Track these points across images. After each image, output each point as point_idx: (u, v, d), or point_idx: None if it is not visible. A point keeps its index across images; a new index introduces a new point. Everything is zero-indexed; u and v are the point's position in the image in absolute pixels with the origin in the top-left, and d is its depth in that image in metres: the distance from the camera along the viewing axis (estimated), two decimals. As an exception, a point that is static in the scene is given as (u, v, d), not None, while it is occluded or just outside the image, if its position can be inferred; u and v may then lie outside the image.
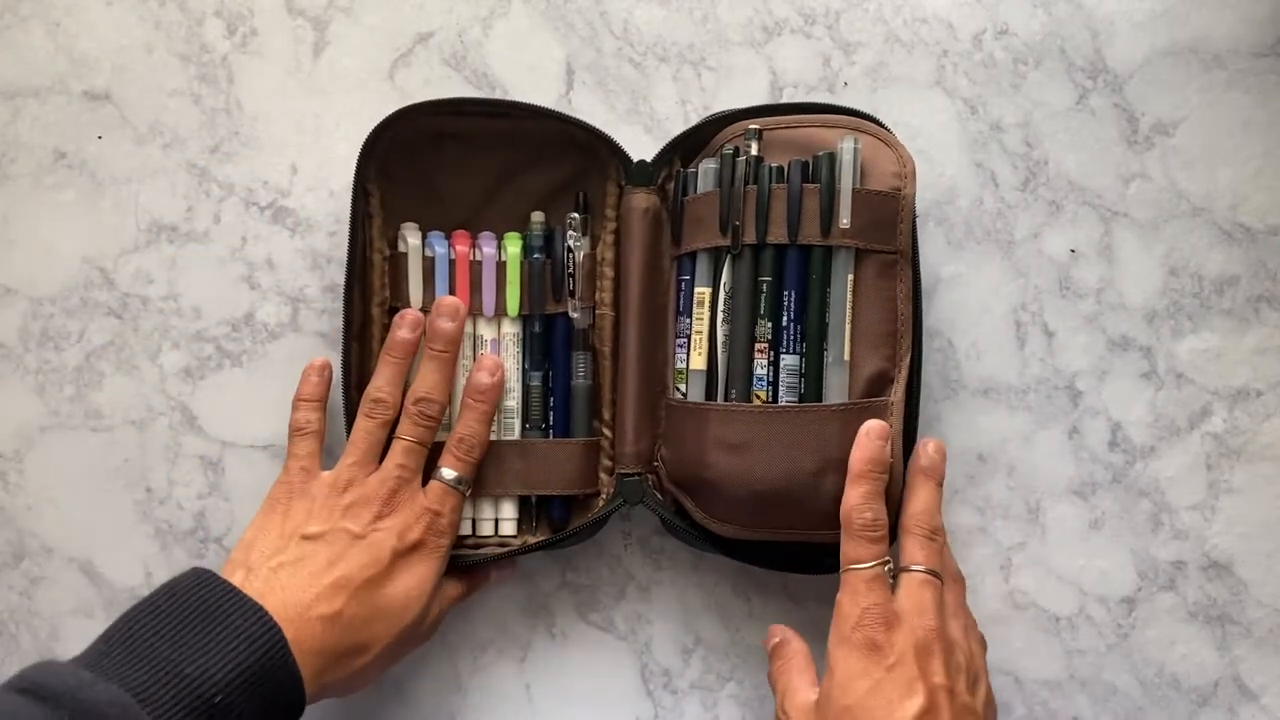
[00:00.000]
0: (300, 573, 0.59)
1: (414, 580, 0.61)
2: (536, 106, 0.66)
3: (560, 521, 0.67)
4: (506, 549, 0.66)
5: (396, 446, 0.64)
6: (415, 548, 0.62)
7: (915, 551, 0.60)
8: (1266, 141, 0.69)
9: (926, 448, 0.62)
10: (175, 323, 0.70)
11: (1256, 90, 0.69)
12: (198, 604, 0.55)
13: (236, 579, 0.58)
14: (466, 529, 0.67)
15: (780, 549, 0.65)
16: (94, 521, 0.69)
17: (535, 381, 0.67)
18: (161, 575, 0.69)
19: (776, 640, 0.64)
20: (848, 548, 0.59)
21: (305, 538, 0.61)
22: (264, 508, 0.63)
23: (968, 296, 0.69)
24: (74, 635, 0.69)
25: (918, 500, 0.61)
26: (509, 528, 0.67)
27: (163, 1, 0.70)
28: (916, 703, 0.55)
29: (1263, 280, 0.69)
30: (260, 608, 0.55)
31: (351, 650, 0.59)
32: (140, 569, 0.69)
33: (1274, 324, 0.68)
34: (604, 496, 0.67)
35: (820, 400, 0.62)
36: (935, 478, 0.62)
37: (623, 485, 0.66)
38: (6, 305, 0.70)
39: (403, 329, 0.65)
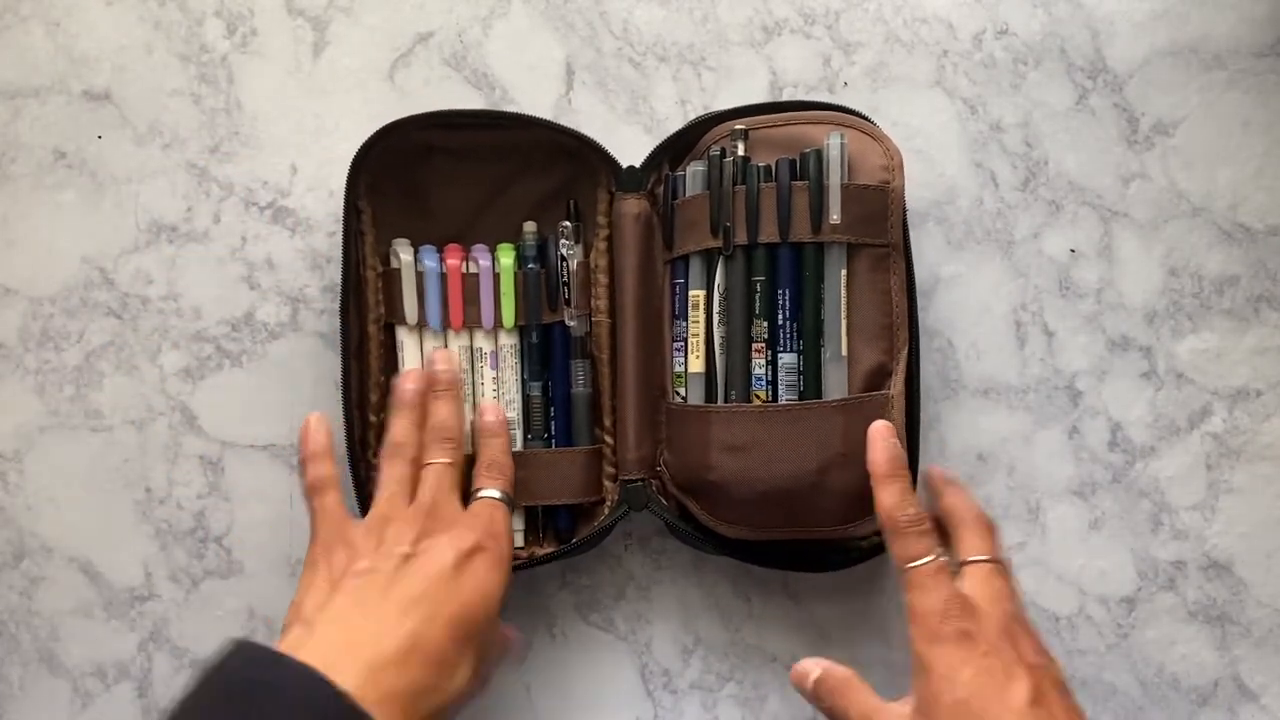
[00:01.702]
0: (362, 607, 0.55)
1: (480, 580, 0.57)
2: (524, 116, 0.66)
3: (566, 531, 0.67)
4: (515, 561, 0.66)
5: (428, 473, 0.62)
6: (474, 552, 0.58)
7: (976, 542, 0.59)
8: (1266, 141, 0.69)
9: (932, 470, 0.63)
10: (175, 323, 0.70)
11: (1256, 90, 0.69)
12: (242, 685, 0.50)
13: (291, 636, 0.54)
14: None
15: (785, 548, 0.65)
16: (94, 521, 0.69)
17: (535, 392, 0.67)
18: (161, 575, 0.69)
19: (816, 675, 0.60)
20: (900, 548, 0.58)
21: (356, 574, 0.57)
22: (305, 570, 0.59)
23: (968, 296, 0.69)
24: (74, 635, 0.69)
25: (958, 499, 0.61)
26: (516, 539, 0.67)
27: (163, 1, 0.70)
28: (1023, 686, 0.54)
29: (1263, 280, 0.68)
30: (308, 670, 0.50)
31: (437, 676, 0.54)
32: (140, 569, 0.69)
33: (1274, 324, 0.68)
34: (608, 504, 0.67)
35: (820, 397, 0.62)
36: (958, 483, 0.63)
37: (627, 492, 0.66)
38: (6, 305, 0.70)
39: (408, 382, 0.64)
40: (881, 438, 0.60)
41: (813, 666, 0.60)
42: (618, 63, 0.70)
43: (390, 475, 0.62)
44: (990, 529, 0.60)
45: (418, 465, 0.63)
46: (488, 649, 0.58)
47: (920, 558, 0.57)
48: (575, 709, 0.69)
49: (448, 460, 0.62)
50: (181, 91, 0.70)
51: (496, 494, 0.63)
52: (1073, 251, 0.69)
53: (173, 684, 0.69)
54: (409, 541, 0.58)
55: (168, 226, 0.70)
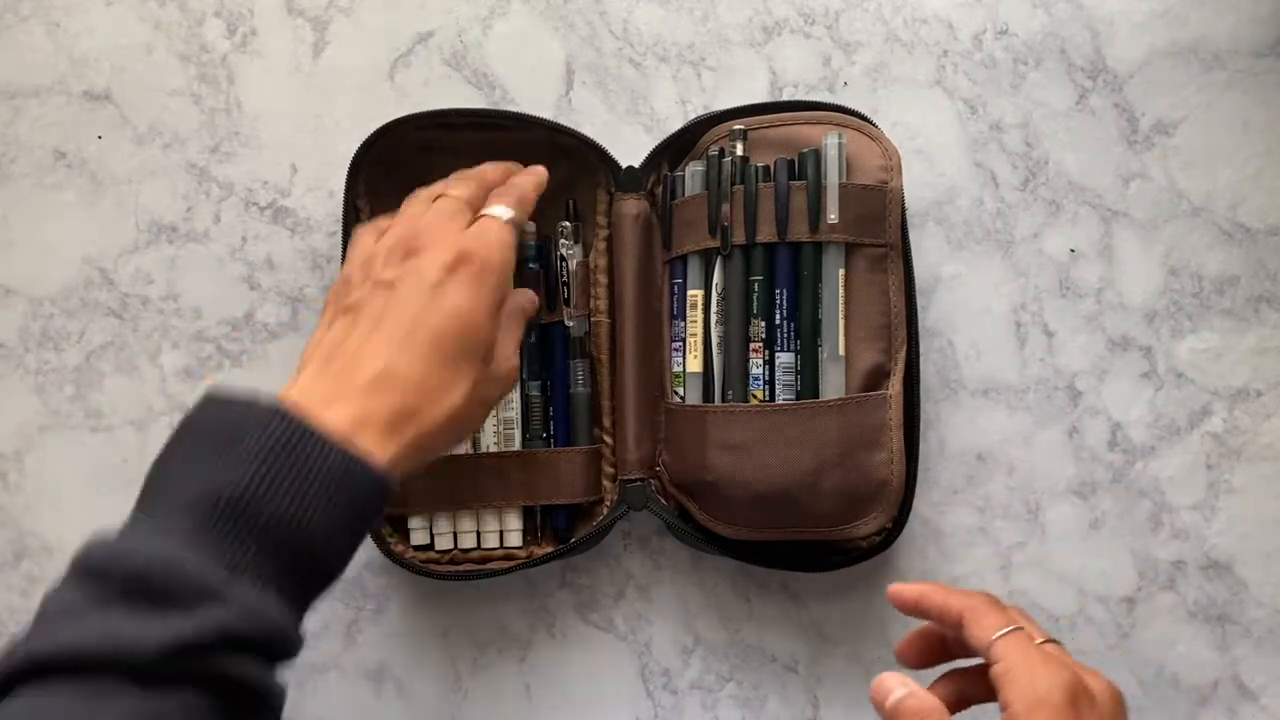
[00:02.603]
0: (344, 343, 0.52)
1: (457, 298, 0.53)
2: (523, 115, 0.66)
3: (564, 531, 0.67)
4: (514, 561, 0.66)
5: (435, 203, 0.58)
6: (455, 267, 0.53)
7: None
8: (1266, 141, 0.69)
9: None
10: (175, 323, 0.70)
11: (1256, 90, 0.69)
12: (199, 427, 0.48)
13: (290, 382, 0.52)
14: (470, 542, 0.67)
15: (785, 548, 0.65)
16: (94, 521, 0.69)
17: (534, 392, 0.67)
18: (161, 575, 0.69)
19: (899, 695, 0.53)
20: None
21: (344, 311, 0.54)
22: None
23: (968, 296, 0.69)
24: (74, 635, 0.69)
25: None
26: (514, 539, 0.67)
27: (163, 1, 0.70)
28: None
29: (1263, 280, 0.68)
30: (259, 399, 0.48)
31: (419, 400, 0.51)
32: (140, 569, 0.69)
33: (1274, 324, 0.68)
34: (607, 503, 0.67)
35: (817, 397, 0.62)
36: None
37: (626, 492, 0.66)
38: (6, 305, 0.70)
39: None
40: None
41: (897, 686, 0.53)
42: (618, 63, 0.70)
43: (404, 209, 0.59)
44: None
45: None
46: (482, 364, 0.54)
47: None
48: (575, 709, 0.69)
49: (458, 194, 0.58)
50: (181, 91, 0.70)
51: (499, 211, 0.57)
52: (1073, 251, 0.69)
53: (173, 684, 0.69)
54: (393, 265, 0.54)
55: (168, 226, 0.70)
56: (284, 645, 0.47)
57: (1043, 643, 0.53)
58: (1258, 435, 0.68)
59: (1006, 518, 0.69)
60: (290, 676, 0.69)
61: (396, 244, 0.55)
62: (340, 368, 0.51)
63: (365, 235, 0.58)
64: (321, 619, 0.69)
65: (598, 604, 0.70)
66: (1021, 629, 0.53)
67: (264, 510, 0.46)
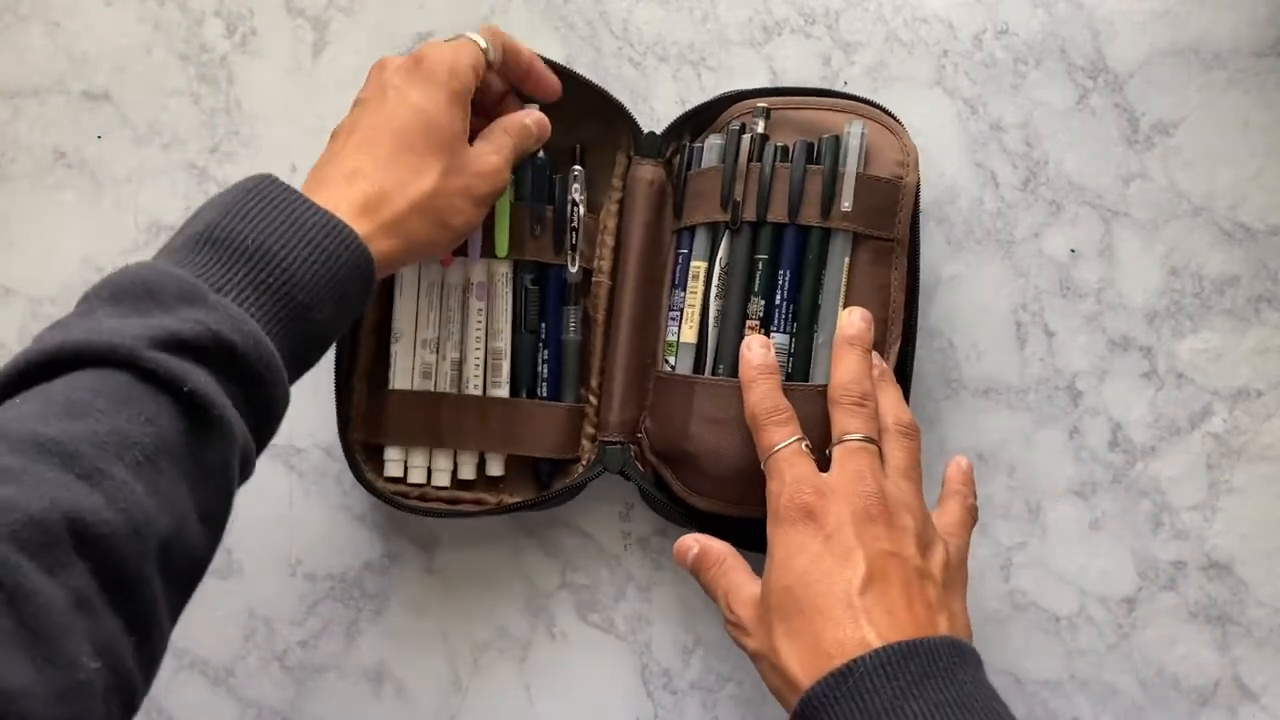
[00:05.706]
0: (321, 162, 0.57)
1: (415, 96, 0.57)
2: (553, 63, 0.65)
3: (547, 477, 0.67)
4: (484, 507, 0.66)
5: None
6: (411, 71, 0.58)
7: (846, 421, 0.57)
8: (1266, 141, 0.69)
9: (851, 316, 0.60)
10: (175, 323, 0.69)
11: (1256, 90, 0.69)
12: (196, 213, 0.52)
13: None
14: (445, 480, 0.66)
15: (759, 528, 0.64)
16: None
17: (526, 343, 0.66)
18: (161, 575, 0.69)
19: (695, 552, 0.60)
20: (760, 439, 0.58)
21: (329, 140, 0.59)
22: None
23: (968, 296, 0.69)
24: (74, 635, 0.69)
25: (843, 369, 0.59)
26: (496, 469, 0.67)
27: (162, 1, 0.70)
28: (859, 571, 0.52)
29: (1263, 280, 0.68)
30: (263, 175, 0.53)
31: (392, 183, 0.55)
32: (140, 569, 0.69)
33: (1274, 324, 0.68)
34: (584, 463, 0.67)
35: (807, 380, 0.62)
36: (861, 345, 0.60)
37: (605, 453, 0.66)
38: (6, 305, 0.70)
39: None
40: (749, 350, 0.60)
41: (693, 543, 0.60)
42: (618, 63, 0.70)
43: None
44: (864, 405, 0.58)
45: None
46: (449, 155, 0.57)
47: (775, 445, 0.57)
48: (575, 709, 0.69)
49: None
50: (181, 91, 0.70)
51: (472, 35, 0.61)
52: (1073, 251, 0.69)
53: (173, 684, 0.69)
54: (367, 89, 0.59)
55: (168, 226, 0.70)
56: (268, 374, 0.48)
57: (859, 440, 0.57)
58: (1258, 435, 0.68)
59: (1007, 518, 0.69)
60: (290, 676, 0.69)
61: (383, 63, 0.60)
62: (316, 174, 0.56)
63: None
64: (321, 619, 0.69)
65: (598, 604, 0.70)
66: (790, 445, 0.57)
67: (247, 240, 0.49)
